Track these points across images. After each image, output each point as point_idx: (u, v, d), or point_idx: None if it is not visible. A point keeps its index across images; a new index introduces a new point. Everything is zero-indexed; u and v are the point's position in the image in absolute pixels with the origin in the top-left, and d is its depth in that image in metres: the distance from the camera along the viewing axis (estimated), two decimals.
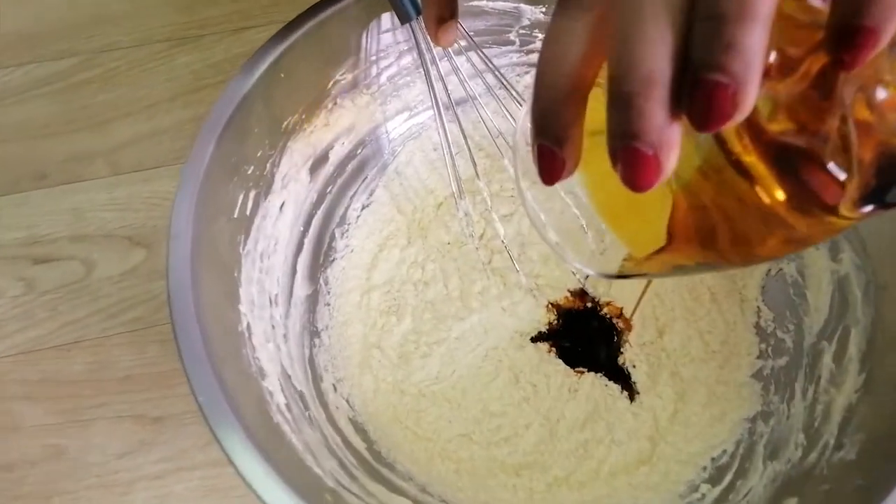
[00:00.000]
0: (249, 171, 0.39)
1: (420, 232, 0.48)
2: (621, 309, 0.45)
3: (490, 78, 0.47)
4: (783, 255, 0.23)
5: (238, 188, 0.39)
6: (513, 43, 0.49)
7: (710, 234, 0.21)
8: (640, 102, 0.16)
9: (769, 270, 0.46)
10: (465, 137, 0.46)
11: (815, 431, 0.37)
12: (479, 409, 0.42)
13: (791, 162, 0.18)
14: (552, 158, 0.20)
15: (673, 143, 0.17)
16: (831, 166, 0.17)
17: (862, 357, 0.37)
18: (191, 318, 0.32)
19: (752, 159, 0.18)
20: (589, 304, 0.46)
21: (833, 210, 0.18)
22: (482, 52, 0.44)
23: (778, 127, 0.18)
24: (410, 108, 0.50)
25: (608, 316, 0.45)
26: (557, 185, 0.24)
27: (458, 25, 0.42)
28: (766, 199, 0.18)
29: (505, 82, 0.46)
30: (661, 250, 0.22)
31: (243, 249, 0.39)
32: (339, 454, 0.37)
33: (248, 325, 0.37)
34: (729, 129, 0.18)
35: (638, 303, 0.44)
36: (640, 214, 0.23)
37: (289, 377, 0.39)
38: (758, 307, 0.45)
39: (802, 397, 0.40)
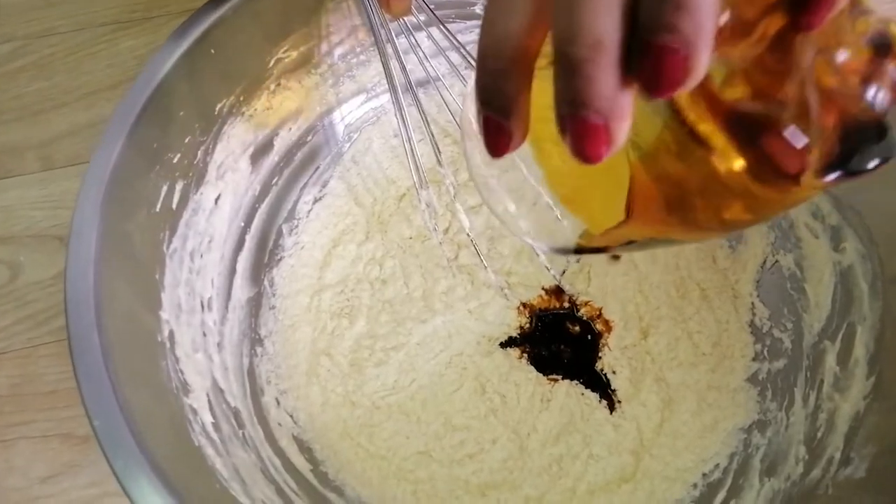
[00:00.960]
0: (175, 160, 0.35)
1: (379, 226, 0.44)
2: (600, 309, 0.41)
3: (455, 56, 0.42)
4: (749, 224, 0.22)
5: (161, 178, 0.34)
6: (479, 17, 0.44)
7: (672, 204, 0.20)
8: (589, 69, 0.16)
9: (764, 262, 0.41)
10: (426, 122, 0.41)
11: (818, 444, 0.33)
12: (440, 423, 0.37)
13: (749, 130, 0.17)
14: (498, 131, 0.19)
15: (624, 112, 0.16)
16: (789, 133, 0.17)
17: (870, 359, 0.33)
18: (90, 327, 0.28)
19: (707, 128, 0.17)
20: (566, 304, 0.42)
21: (795, 179, 0.17)
22: (445, 26, 0.40)
23: (733, 94, 0.17)
24: (367, 90, 0.45)
25: (585, 318, 0.41)
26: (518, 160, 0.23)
27: None
28: (724, 169, 0.17)
29: (472, 61, 0.41)
30: (619, 224, 0.21)
31: (168, 248, 0.34)
32: (277, 479, 0.33)
33: (171, 333, 0.32)
34: (683, 95, 0.17)
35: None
36: (596, 187, 0.22)
37: (221, 392, 0.34)
38: (752, 304, 0.41)
39: (803, 404, 0.35)
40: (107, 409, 0.26)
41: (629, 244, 0.22)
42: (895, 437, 0.29)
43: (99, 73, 0.53)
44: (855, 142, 0.17)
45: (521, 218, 0.24)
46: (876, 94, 0.17)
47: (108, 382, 0.26)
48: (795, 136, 0.16)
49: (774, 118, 0.17)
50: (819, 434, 0.33)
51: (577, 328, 0.41)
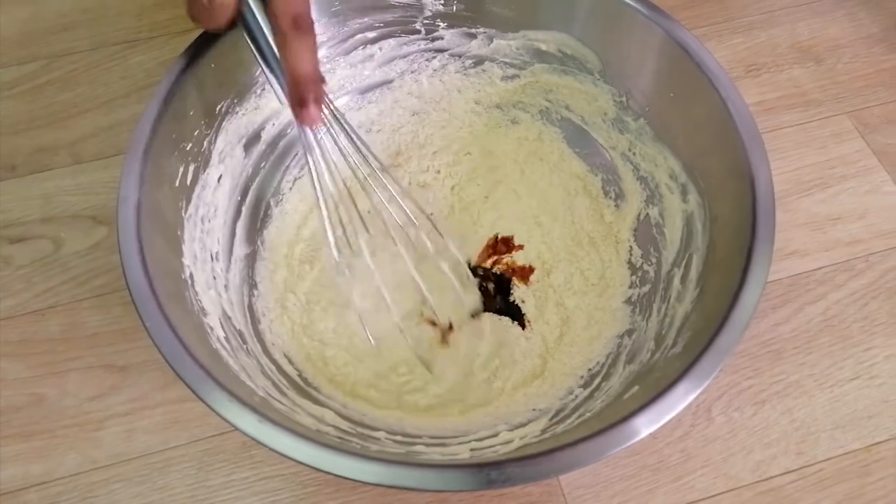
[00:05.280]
0: (188, 147, 0.47)
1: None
2: (508, 264, 0.54)
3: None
4: None
5: (178, 161, 0.46)
6: (419, 32, 0.56)
7: None
8: None
9: (639, 215, 0.54)
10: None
11: (662, 338, 0.45)
12: (385, 367, 0.48)
13: None
14: None
15: None
16: None
17: (699, 277, 0.45)
18: (137, 262, 0.39)
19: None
20: (488, 264, 0.54)
21: None
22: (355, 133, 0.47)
23: None
24: (333, 92, 0.57)
25: (499, 272, 0.53)
26: None
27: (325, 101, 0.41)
28: None
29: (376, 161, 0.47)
30: None
31: (185, 213, 0.46)
32: (273, 377, 0.45)
33: (191, 274, 0.44)
34: None
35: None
36: None
37: (229, 318, 0.46)
38: (630, 247, 0.53)
39: (657, 314, 0.48)
40: (153, 315, 0.38)
41: None
42: (703, 325, 0.42)
43: (114, 85, 0.64)
44: None
45: None
46: None
47: (151, 297, 0.38)
48: None
49: None
50: (663, 332, 0.45)
51: (495, 277, 0.53)
